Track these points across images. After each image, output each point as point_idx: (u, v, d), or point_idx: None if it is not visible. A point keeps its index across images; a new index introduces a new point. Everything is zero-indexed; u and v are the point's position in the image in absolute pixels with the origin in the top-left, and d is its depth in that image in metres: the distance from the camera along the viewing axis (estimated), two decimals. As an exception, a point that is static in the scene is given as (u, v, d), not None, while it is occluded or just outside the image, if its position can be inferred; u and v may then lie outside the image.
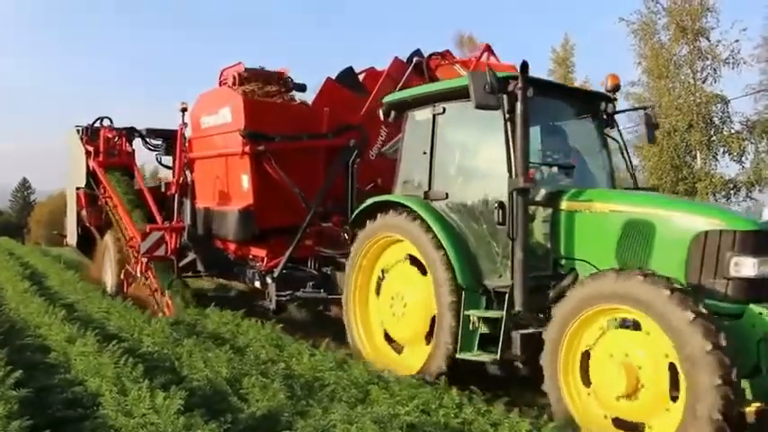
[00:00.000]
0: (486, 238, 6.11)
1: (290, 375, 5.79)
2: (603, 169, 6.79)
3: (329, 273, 8.84)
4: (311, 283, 8.70)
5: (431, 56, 10.07)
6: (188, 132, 9.92)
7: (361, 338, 7.22)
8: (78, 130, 12.09)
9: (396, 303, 6.78)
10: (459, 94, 6.31)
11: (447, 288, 6.07)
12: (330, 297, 8.61)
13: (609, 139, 6.91)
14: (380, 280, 7.13)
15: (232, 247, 9.68)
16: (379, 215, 6.95)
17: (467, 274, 6.06)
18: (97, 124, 11.75)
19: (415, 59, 9.98)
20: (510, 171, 5.77)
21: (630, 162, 7.01)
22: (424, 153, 6.62)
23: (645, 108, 7.06)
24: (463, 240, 6.21)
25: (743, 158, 22.49)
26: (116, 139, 11.41)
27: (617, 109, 6.90)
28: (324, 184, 9.00)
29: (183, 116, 11.64)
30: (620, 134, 7.08)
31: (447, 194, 6.39)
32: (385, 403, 4.98)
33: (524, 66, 5.65)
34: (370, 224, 7.02)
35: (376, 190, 9.55)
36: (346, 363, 6.22)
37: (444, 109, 6.49)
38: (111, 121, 11.71)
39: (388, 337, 6.99)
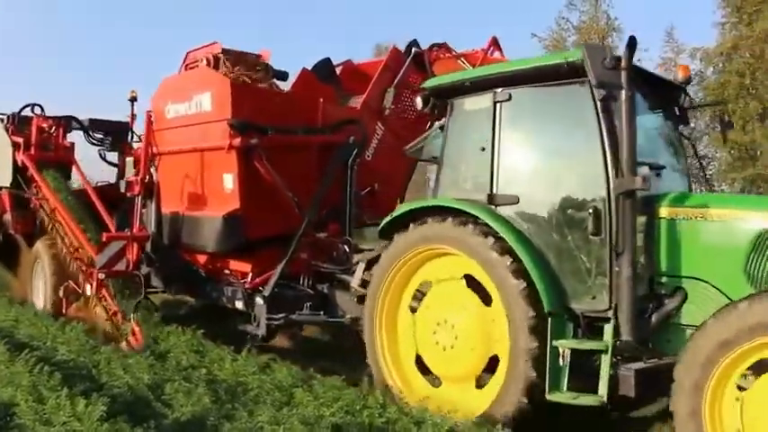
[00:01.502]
0: (573, 252, 5.02)
1: (213, 380, 5.76)
2: (678, 170, 5.89)
3: (326, 292, 7.53)
4: (308, 304, 7.32)
5: (431, 47, 8.97)
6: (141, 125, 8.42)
7: (388, 369, 5.96)
8: (2, 119, 10.10)
9: (441, 332, 5.57)
10: (532, 76, 5.25)
11: (526, 313, 4.93)
12: (331, 321, 7.30)
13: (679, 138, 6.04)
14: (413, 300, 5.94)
15: (203, 260, 8.14)
16: (412, 225, 5.74)
17: (553, 297, 4.94)
18: (27, 112, 9.81)
19: (413, 50, 8.84)
20: (608, 170, 4.76)
21: (702, 164, 6.15)
22: (482, 149, 5.47)
23: (719, 104, 6.21)
24: (543, 255, 5.10)
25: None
26: (51, 129, 9.54)
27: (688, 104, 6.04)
28: (319, 187, 7.67)
29: (133, 106, 10.08)
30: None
31: (518, 199, 5.26)
32: (310, 405, 5.01)
33: (632, 42, 4.64)
34: (404, 235, 5.79)
35: (372, 196, 8.37)
36: (269, 367, 6.20)
37: (510, 95, 5.37)
38: (42, 109, 9.81)
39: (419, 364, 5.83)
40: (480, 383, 5.43)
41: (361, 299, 7.01)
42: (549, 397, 4.81)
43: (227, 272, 7.96)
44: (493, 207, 5.33)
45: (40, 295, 9.73)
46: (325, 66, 9.26)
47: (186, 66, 8.54)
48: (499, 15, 61.30)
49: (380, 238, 6.29)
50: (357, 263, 7.20)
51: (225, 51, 7.96)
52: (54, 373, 5.32)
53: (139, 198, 7.61)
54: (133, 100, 10.14)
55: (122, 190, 9.07)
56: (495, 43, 9.24)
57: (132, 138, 10.30)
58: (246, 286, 7.42)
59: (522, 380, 4.93)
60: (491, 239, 5.17)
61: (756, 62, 22.89)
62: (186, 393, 5.12)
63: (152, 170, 7.76)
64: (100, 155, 10.01)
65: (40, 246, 9.48)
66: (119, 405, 4.71)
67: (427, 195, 6.92)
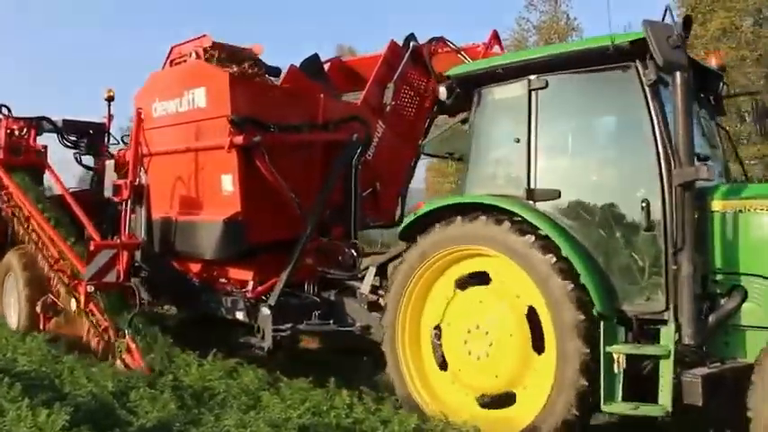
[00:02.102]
0: (622, 250, 4.66)
1: (179, 386, 5.70)
2: (717, 161, 5.60)
3: (333, 299, 7.05)
4: (317, 313, 6.83)
5: (430, 41, 8.58)
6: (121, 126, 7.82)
7: (414, 384, 5.51)
8: (-35, 121, 9.34)
9: (473, 340, 5.15)
10: (571, 61, 4.89)
11: (575, 316, 4.54)
12: (342, 330, 6.82)
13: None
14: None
15: (197, 268, 7.57)
16: (438, 225, 5.31)
17: (604, 298, 4.56)
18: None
19: (412, 44, 8.42)
20: (661, 159, 4.42)
21: (737, 154, 5.88)
22: (517, 141, 5.08)
23: (755, 93, 5.96)
24: (589, 253, 4.72)
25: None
26: (23, 132, 8.83)
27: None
28: (323, 188, 7.20)
29: (110, 106, 9.47)
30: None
31: (559, 193, 4.88)
32: (277, 407, 4.98)
33: (688, 21, 4.32)
34: (430, 236, 5.36)
35: (374, 197, 7.94)
36: (236, 371, 6.17)
37: (547, 82, 5.00)
38: (9, 110, 9.08)
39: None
40: (515, 395, 5.03)
41: (372, 306, 6.61)
42: (604, 408, 4.42)
43: (224, 281, 7.41)
44: (531, 203, 4.94)
45: (12, 312, 8.98)
46: (313, 63, 8.77)
47: (171, 61, 7.97)
48: (457, 15, 61.47)
49: (401, 240, 5.86)
50: (366, 268, 6.79)
51: (215, 45, 7.43)
52: (14, 385, 5.21)
53: (128, 203, 7.00)
54: (110, 100, 9.55)
55: (108, 195, 8.46)
56: (495, 37, 8.90)
57: (109, 140, 9.68)
58: (249, 295, 6.88)
59: (572, 389, 4.54)
60: (531, 237, 4.77)
61: (710, 60, 23.32)
62: (151, 400, 5.10)
63: (140, 173, 7.15)
64: (75, 158, 9.34)
65: (11, 257, 8.75)
66: (82, 414, 4.61)
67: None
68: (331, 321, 6.82)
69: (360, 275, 6.95)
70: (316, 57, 8.87)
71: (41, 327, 8.08)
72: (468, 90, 5.54)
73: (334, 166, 7.25)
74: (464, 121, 5.97)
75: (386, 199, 8.27)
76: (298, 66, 8.13)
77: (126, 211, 7.03)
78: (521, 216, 4.82)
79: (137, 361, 6.25)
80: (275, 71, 8.16)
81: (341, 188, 7.26)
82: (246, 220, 6.77)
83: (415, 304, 5.57)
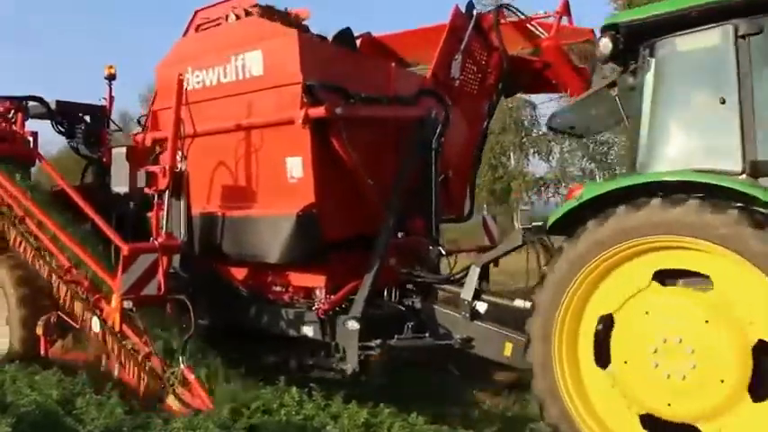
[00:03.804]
0: None
1: (126, 391, 5.45)
2: None
3: (418, 307, 5.85)
4: (410, 325, 5.59)
5: (498, 8, 7.46)
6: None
7: (577, 412, 4.35)
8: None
9: (669, 354, 3.99)
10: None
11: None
12: (440, 344, 5.61)
13: None
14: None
15: (243, 274, 6.20)
16: (621, 210, 4.12)
17: None
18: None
19: (475, 12, 7.28)
20: None
21: None
22: (722, 102, 3.98)
23: None
24: None
25: (550, 157, 25.50)
26: (10, 114, 7.21)
27: None
28: (400, 173, 5.98)
29: (111, 86, 7.96)
30: None
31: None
32: (226, 408, 4.77)
33: None
34: (606, 226, 4.16)
35: (444, 186, 6.73)
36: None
37: (763, 27, 3.92)
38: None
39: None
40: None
41: (475, 314, 5.45)
42: None
43: (279, 288, 6.06)
44: (755, 180, 3.84)
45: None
46: (346, 37, 7.55)
47: (198, 27, 6.58)
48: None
49: (550, 234, 4.70)
50: (468, 268, 5.60)
51: (260, 7, 6.09)
52: None
53: (166, 195, 5.57)
54: (111, 78, 8.02)
55: (118, 189, 7.01)
56: (566, 7, 7.83)
57: (109, 125, 8.15)
58: (324, 307, 5.56)
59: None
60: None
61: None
62: (98, 406, 4.97)
63: (179, 158, 5.71)
64: (72, 147, 7.77)
65: (-2, 268, 7.13)
66: (25, 425, 4.44)
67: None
68: (427, 335, 5.61)
69: (455, 278, 5.79)
70: (348, 30, 7.62)
71: (42, 352, 6.52)
72: (632, 43, 4.40)
73: (411, 147, 6.05)
74: (611, 86, 4.85)
75: (456, 188, 7.11)
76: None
77: (163, 204, 5.60)
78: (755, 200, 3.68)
79: (199, 397, 4.84)
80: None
81: (415, 175, 6.08)
82: (321, 213, 5.48)
83: (574, 312, 4.40)
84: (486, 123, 7.56)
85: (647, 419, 4.14)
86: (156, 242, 5.43)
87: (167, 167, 5.49)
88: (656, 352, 4.05)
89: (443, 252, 6.11)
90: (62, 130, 7.68)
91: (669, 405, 4.02)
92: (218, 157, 6.03)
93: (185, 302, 5.18)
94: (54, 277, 6.18)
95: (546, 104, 25.58)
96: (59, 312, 6.32)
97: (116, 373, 5.76)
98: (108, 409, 4.89)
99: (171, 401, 4.96)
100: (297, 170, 5.49)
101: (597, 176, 35.46)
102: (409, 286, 6.02)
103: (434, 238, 6.20)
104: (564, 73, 7.29)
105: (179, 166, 5.56)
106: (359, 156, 5.61)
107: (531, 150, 27.35)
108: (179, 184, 5.64)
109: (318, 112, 5.19)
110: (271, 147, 5.64)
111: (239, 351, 5.97)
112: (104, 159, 7.81)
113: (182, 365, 4.99)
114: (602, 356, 4.33)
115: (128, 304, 5.18)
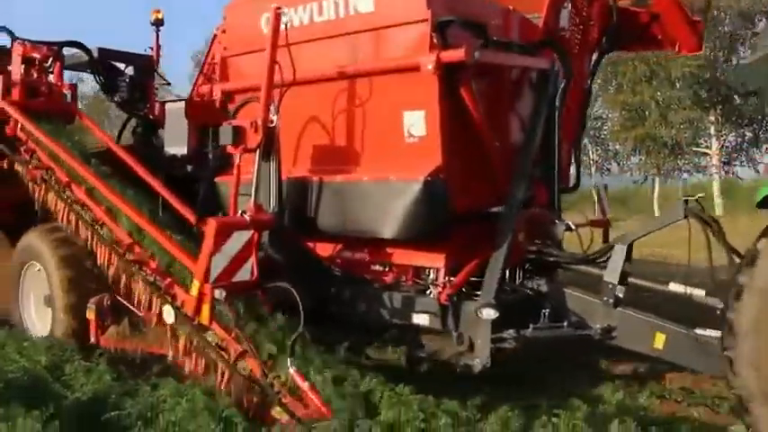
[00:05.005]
0: None
1: (115, 358, 5.44)
2: None
3: (545, 290, 4.99)
4: (545, 312, 4.72)
5: None
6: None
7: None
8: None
9: None
10: None
11: None
12: (579, 334, 4.76)
13: None
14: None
15: (337, 252, 5.30)
16: None
17: None
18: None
19: None
20: None
21: None
22: None
23: None
24: None
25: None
26: (47, 62, 6.17)
27: None
28: (529, 134, 5.09)
29: (159, 33, 6.97)
30: None
31: None
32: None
33: None
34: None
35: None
36: None
37: None
38: (13, 34, 6.36)
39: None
40: None
41: (618, 300, 4.65)
42: None
43: (381, 268, 5.16)
44: None
45: (35, 317, 6.42)
46: None
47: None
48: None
49: (759, 208, 3.84)
50: (611, 248, 4.77)
51: None
52: None
53: (258, 155, 4.61)
54: (158, 24, 7.00)
55: (173, 151, 6.07)
56: None
57: (154, 79, 7.15)
58: (447, 290, 4.67)
59: None
60: None
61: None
62: (87, 372, 5.01)
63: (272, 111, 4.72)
64: (117, 103, 6.77)
65: (36, 242, 6.11)
66: (13, 390, 4.43)
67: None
68: (565, 324, 4.76)
69: (593, 258, 4.93)
70: None
71: (93, 338, 5.61)
72: None
73: (540, 104, 5.17)
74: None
75: (561, 156, 6.22)
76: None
77: (256, 165, 4.62)
78: None
79: (314, 405, 3.91)
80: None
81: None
82: (448, 180, 4.56)
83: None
84: (589, 82, 6.67)
85: None
86: (246, 216, 4.47)
87: (260, 121, 4.51)
88: None
89: (572, 226, 5.24)
90: (103, 81, 6.66)
91: None
92: (311, 111, 5.08)
93: (289, 290, 4.24)
94: (111, 255, 5.21)
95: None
96: (111, 294, 5.39)
97: (186, 369, 4.85)
98: (96, 375, 4.94)
99: (276, 413, 4.03)
100: (418, 127, 4.55)
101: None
102: (528, 266, 5.20)
103: (557, 210, 5.35)
104: (676, 27, 6.45)
105: (273, 119, 4.58)
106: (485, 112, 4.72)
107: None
108: (271, 143, 4.67)
109: (456, 55, 4.24)
110: (382, 99, 4.69)
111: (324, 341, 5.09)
112: (150, 116, 6.85)
113: (290, 369, 4.06)
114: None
115: (219, 293, 4.23)
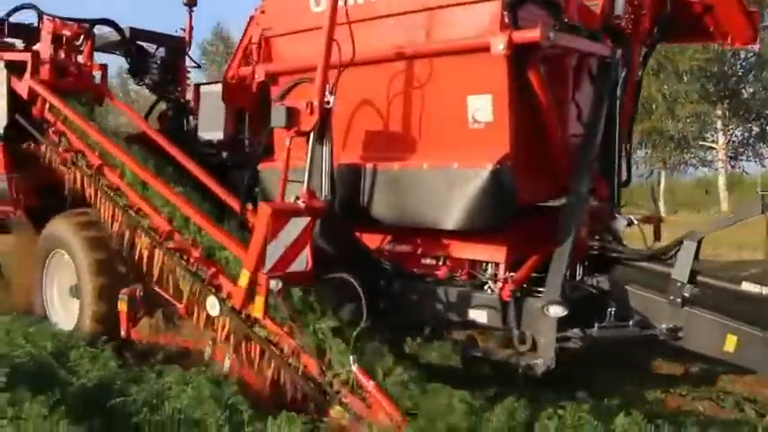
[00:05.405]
0: None
1: (121, 345, 5.42)
2: None
3: (607, 288, 4.75)
4: (611, 311, 4.49)
5: None
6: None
7: None
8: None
9: None
10: None
11: None
12: (646, 335, 4.53)
13: None
14: None
15: (390, 243, 5.05)
16: None
17: None
18: (22, 16, 6.10)
19: None
20: None
21: None
22: None
23: None
24: None
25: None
26: (78, 41, 5.88)
27: None
28: (591, 126, 4.84)
29: (192, 13, 6.72)
30: None
31: None
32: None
33: None
34: None
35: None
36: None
37: None
38: (40, 11, 6.06)
39: None
40: None
41: (686, 300, 4.44)
42: None
43: (432, 262, 4.91)
44: None
45: (59, 308, 6.16)
46: None
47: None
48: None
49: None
50: (680, 244, 4.53)
51: None
52: None
53: (312, 137, 4.34)
54: (191, 5, 6.72)
55: (208, 136, 5.81)
56: None
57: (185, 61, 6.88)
58: (509, 286, 4.41)
59: None
60: None
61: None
62: (92, 359, 5.04)
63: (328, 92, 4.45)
64: (148, 86, 6.48)
65: (62, 228, 5.83)
66: (20, 375, 4.39)
67: None
68: (630, 323, 4.52)
69: (659, 255, 4.70)
70: None
71: (124, 332, 5.36)
72: None
73: (602, 90, 4.91)
74: None
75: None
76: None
77: (309, 152, 4.36)
78: None
79: (382, 408, 3.65)
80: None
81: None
82: (516, 169, 4.31)
83: None
84: (640, 73, 6.42)
85: None
86: (301, 203, 4.21)
87: (316, 102, 4.24)
88: None
89: (634, 221, 5.00)
90: (136, 64, 6.38)
91: None
92: (364, 94, 4.81)
93: (350, 282, 3.98)
94: (149, 242, 4.93)
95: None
96: (143, 285, 5.13)
97: (226, 367, 4.59)
98: (102, 361, 4.97)
99: (336, 414, 3.78)
100: (484, 112, 4.30)
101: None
102: (586, 263, 4.96)
103: (617, 205, 5.11)
104: (730, 18, 6.19)
105: (329, 100, 4.30)
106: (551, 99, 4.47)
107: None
108: (326, 125, 4.40)
109: (530, 35, 3.98)
110: (444, 81, 4.43)
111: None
112: (182, 99, 6.58)
113: (352, 366, 3.80)
114: None
115: (275, 284, 3.96)
